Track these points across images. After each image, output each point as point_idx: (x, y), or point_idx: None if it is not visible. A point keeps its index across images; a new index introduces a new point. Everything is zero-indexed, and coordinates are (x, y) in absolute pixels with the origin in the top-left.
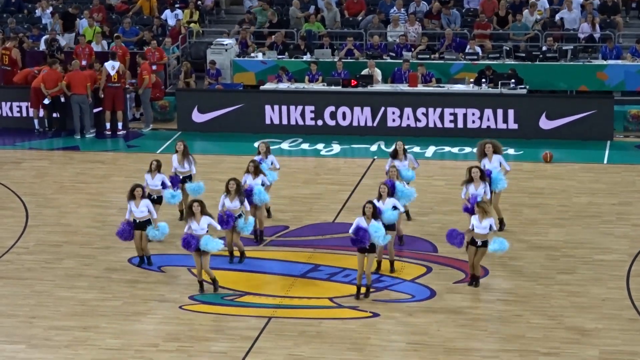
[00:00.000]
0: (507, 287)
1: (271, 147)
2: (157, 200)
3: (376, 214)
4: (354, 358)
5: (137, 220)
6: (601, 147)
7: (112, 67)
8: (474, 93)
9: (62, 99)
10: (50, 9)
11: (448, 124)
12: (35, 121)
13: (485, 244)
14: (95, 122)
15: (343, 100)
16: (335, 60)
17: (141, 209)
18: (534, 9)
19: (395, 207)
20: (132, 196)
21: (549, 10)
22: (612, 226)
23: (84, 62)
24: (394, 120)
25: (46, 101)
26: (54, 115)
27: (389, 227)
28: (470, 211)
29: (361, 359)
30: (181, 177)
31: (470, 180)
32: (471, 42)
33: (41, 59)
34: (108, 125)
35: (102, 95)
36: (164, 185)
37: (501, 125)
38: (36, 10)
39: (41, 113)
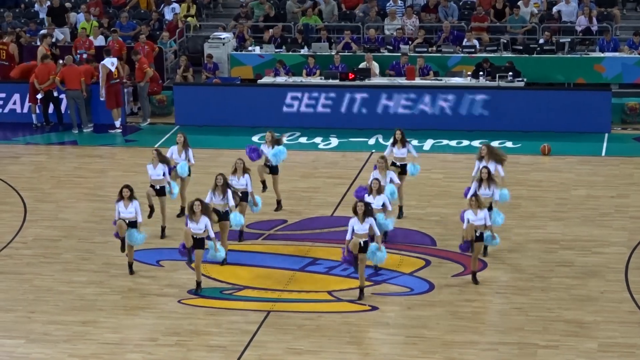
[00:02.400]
0: (506, 280)
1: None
2: (160, 192)
3: (368, 211)
4: (352, 351)
5: (127, 222)
6: (599, 139)
7: (111, 63)
8: (472, 86)
9: (55, 93)
10: (48, 3)
11: (446, 117)
12: (33, 116)
13: (480, 237)
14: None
15: (341, 93)
16: (333, 53)
17: (129, 210)
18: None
19: (384, 205)
20: (120, 197)
21: (546, 3)
22: (611, 219)
23: (84, 56)
24: (391, 113)
25: (39, 95)
26: (50, 109)
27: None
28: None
29: (360, 353)
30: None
31: (480, 179)
32: (468, 34)
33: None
34: (118, 123)
35: (102, 97)
36: (165, 175)
37: (499, 118)
38: (35, 5)
39: (38, 108)
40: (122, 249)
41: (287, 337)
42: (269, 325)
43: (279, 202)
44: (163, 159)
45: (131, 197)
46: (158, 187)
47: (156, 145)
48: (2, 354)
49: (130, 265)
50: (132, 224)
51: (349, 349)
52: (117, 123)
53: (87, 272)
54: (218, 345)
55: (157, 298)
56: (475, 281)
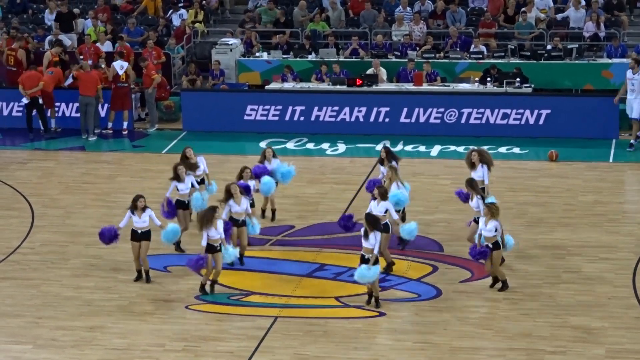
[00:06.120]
0: (513, 286)
1: (276, 147)
2: (188, 205)
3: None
4: (360, 357)
5: (139, 231)
6: (607, 145)
7: (120, 66)
8: (479, 92)
9: (40, 100)
10: (57, 9)
11: (453, 123)
12: (40, 122)
13: (496, 246)
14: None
15: (348, 99)
16: (340, 59)
17: (143, 219)
18: (531, 5)
19: (387, 212)
20: (134, 206)
21: (554, 9)
22: (618, 225)
23: (89, 62)
24: (399, 119)
25: (25, 101)
26: (33, 114)
27: (384, 229)
28: (462, 197)
29: (367, 359)
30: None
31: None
32: (476, 40)
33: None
34: (110, 124)
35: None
36: (192, 185)
37: (506, 124)
38: (45, 11)
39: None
40: (145, 279)
41: (294, 343)
42: (277, 331)
43: (273, 212)
44: (190, 168)
45: (145, 207)
46: (186, 201)
47: (163, 151)
48: (10, 359)
49: (147, 273)
50: (145, 234)
51: (357, 355)
52: (110, 124)
53: (95, 278)
54: (226, 351)
55: (165, 304)
56: (495, 286)
